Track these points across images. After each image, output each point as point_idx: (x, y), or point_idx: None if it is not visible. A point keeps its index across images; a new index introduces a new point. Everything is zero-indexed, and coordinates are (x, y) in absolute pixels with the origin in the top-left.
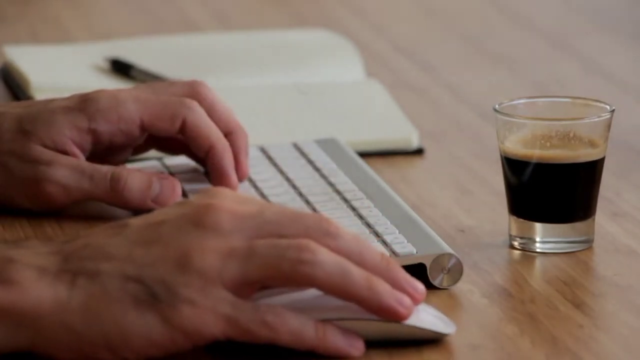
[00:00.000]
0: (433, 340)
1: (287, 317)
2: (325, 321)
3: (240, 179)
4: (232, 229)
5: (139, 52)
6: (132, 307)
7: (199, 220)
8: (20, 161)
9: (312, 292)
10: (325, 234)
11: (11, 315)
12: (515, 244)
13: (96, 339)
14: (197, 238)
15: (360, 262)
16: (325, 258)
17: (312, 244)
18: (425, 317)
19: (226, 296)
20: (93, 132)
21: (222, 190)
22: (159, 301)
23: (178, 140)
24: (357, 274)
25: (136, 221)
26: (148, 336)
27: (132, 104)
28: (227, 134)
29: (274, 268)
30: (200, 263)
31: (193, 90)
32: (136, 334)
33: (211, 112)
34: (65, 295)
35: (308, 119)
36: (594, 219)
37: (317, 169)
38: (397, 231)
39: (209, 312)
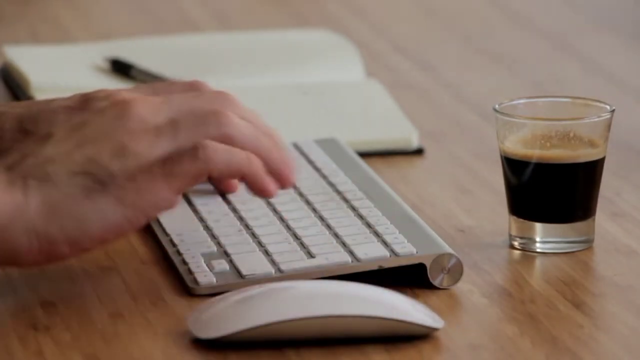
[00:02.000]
0: (427, 336)
1: (216, 146)
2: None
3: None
4: (151, 112)
5: (139, 52)
6: (85, 196)
7: (119, 113)
8: None
9: (311, 290)
10: (229, 105)
11: None
12: (515, 244)
13: (56, 234)
14: (123, 127)
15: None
16: (239, 120)
17: (224, 110)
18: (416, 314)
19: (158, 161)
20: None
21: (127, 89)
22: (108, 185)
23: None
24: (264, 136)
25: (58, 129)
26: (104, 220)
27: None
28: None
29: (200, 133)
30: (135, 147)
31: (192, 87)
32: (92, 220)
33: None
34: (22, 199)
35: (308, 119)
36: (594, 219)
37: (317, 169)
38: (397, 231)
39: (151, 179)
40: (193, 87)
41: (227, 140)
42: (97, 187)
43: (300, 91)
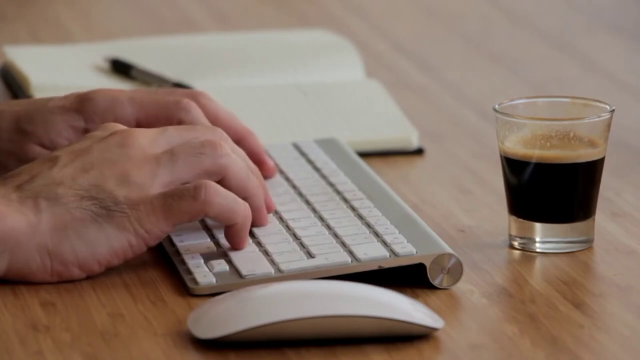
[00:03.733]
0: (427, 336)
1: (218, 190)
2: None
3: (269, 175)
4: (150, 142)
5: (139, 52)
6: (92, 221)
7: (121, 142)
8: (19, 162)
9: (311, 290)
10: (222, 137)
11: None
12: (515, 244)
13: (66, 255)
14: (126, 156)
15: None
16: (232, 153)
17: (218, 141)
18: (416, 314)
19: (160, 194)
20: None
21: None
22: (113, 212)
23: None
24: (252, 175)
25: (64, 153)
26: (110, 244)
27: (128, 105)
28: (238, 141)
29: (197, 164)
30: (137, 176)
31: (194, 100)
32: (100, 244)
33: (216, 122)
34: (34, 218)
35: (308, 119)
36: (594, 219)
37: (317, 169)
38: (397, 231)
39: (152, 210)
40: (193, 98)
41: (223, 171)
42: (103, 212)
43: (300, 91)
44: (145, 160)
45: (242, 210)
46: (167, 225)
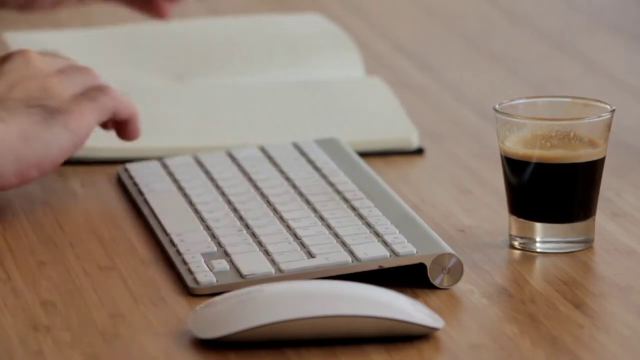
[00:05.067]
0: (427, 336)
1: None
2: None
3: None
4: (42, 60)
5: (134, 38)
6: (44, 124)
7: (25, 61)
8: None
9: (311, 290)
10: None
11: None
12: (515, 244)
13: (30, 157)
14: (38, 70)
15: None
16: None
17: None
18: (416, 314)
19: (80, 96)
20: None
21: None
22: (55, 113)
23: None
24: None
25: None
26: (60, 144)
27: None
28: None
29: (86, 79)
30: (56, 85)
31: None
32: (53, 144)
33: None
34: (3, 128)
35: (308, 119)
36: (594, 219)
37: (317, 169)
38: (397, 231)
39: (83, 110)
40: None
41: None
42: (49, 115)
43: (300, 89)
44: (55, 71)
45: (132, 103)
46: (94, 120)
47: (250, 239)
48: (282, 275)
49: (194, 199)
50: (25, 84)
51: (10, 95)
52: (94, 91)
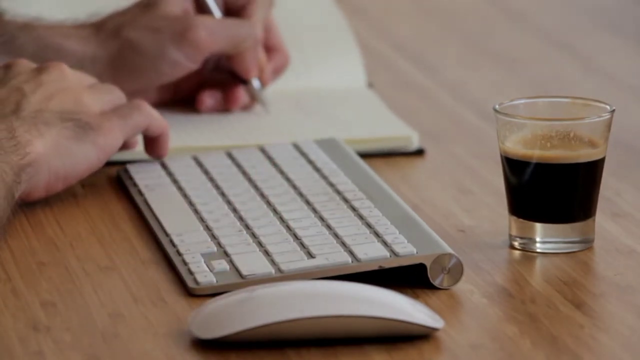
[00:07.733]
0: (427, 336)
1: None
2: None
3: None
4: (74, 73)
5: None
6: (76, 139)
7: (60, 74)
8: (167, 20)
9: (311, 290)
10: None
11: (28, 166)
12: (515, 244)
13: (60, 171)
14: (72, 83)
15: None
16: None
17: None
18: (417, 314)
19: (111, 112)
20: None
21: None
22: (87, 129)
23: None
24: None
25: (19, 83)
26: (87, 159)
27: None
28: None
29: (116, 96)
30: (88, 99)
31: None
32: (81, 159)
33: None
34: (43, 142)
35: (308, 119)
36: (594, 219)
37: (317, 169)
38: (397, 231)
39: (112, 127)
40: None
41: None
42: (81, 131)
43: (300, 95)
44: (87, 86)
45: (164, 121)
46: (122, 139)
47: (250, 239)
48: (282, 276)
49: (194, 199)
50: (62, 96)
51: (48, 106)
52: (128, 108)
